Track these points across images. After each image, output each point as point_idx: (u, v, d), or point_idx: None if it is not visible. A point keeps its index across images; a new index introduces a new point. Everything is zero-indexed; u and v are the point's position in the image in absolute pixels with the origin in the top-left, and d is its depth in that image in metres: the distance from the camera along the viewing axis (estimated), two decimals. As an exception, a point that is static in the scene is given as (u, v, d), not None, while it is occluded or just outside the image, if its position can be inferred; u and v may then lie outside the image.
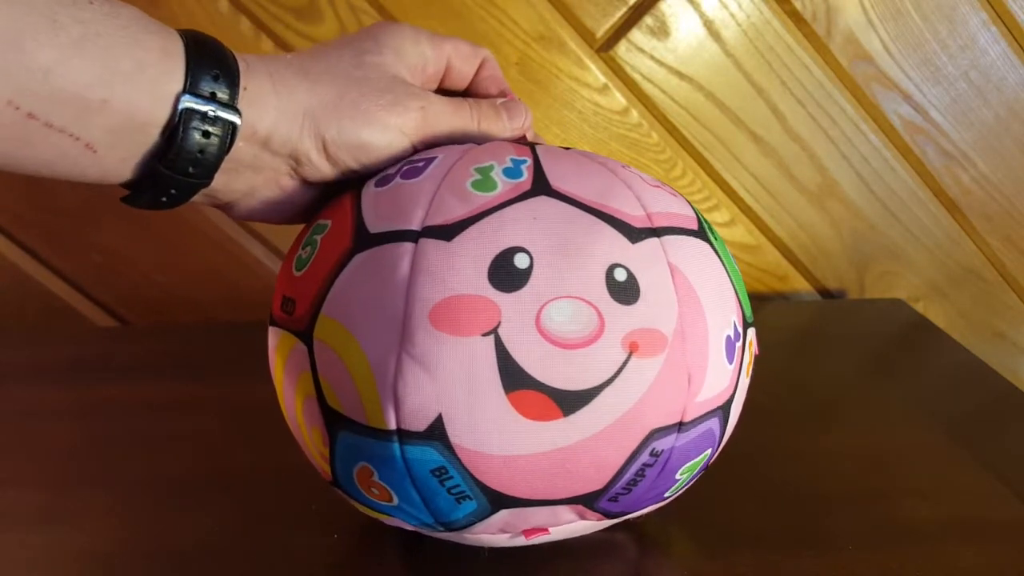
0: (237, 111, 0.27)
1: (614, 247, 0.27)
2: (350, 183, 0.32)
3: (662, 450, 0.28)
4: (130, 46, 0.25)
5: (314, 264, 0.29)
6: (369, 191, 0.30)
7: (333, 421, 0.28)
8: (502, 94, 0.36)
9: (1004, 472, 0.42)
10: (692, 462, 0.30)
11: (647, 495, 0.30)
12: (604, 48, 0.60)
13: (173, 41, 0.27)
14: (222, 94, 0.27)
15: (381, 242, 0.28)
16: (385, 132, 0.31)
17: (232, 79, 0.27)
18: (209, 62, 0.27)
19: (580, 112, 0.62)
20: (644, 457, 0.28)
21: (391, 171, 0.31)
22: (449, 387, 0.26)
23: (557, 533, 0.31)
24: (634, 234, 0.28)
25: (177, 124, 0.26)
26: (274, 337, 0.31)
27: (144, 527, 0.38)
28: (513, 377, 0.26)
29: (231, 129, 0.27)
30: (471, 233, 0.27)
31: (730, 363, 0.30)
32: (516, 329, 0.26)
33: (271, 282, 0.65)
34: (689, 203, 0.32)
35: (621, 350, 0.26)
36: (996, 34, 0.61)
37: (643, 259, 0.28)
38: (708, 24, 0.60)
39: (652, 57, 0.60)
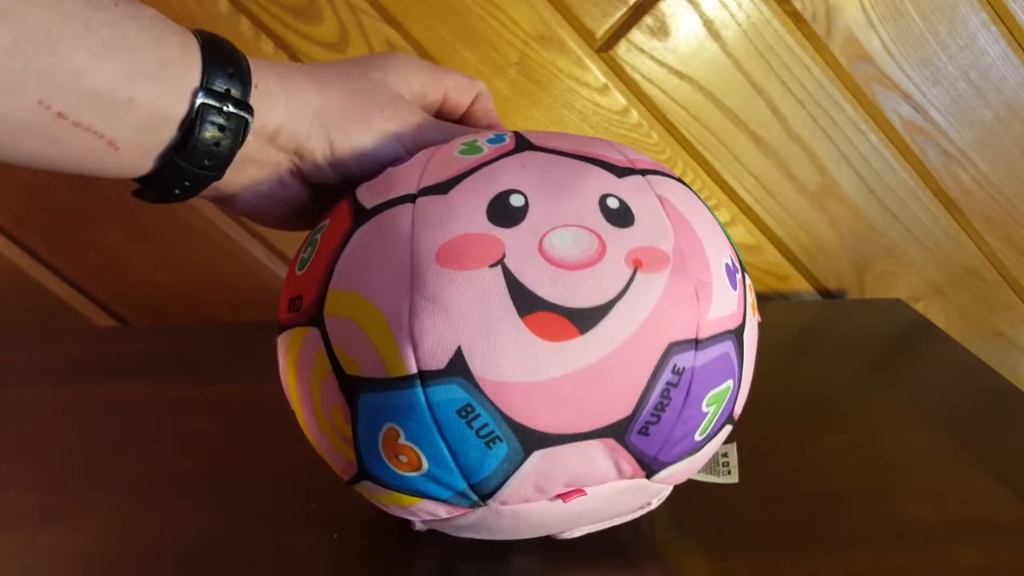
0: (249, 107, 0.29)
1: (603, 181, 0.29)
2: (340, 191, 0.33)
3: (683, 367, 0.28)
4: (154, 46, 0.26)
5: (317, 256, 0.30)
6: (361, 187, 0.32)
7: (353, 388, 0.28)
8: (490, 127, 0.38)
9: (1004, 472, 0.42)
10: (716, 391, 0.29)
11: (678, 429, 0.29)
12: (604, 48, 0.60)
13: (190, 41, 0.28)
14: (236, 91, 0.28)
15: (380, 211, 0.29)
16: (387, 141, 0.33)
17: (244, 77, 0.29)
18: (223, 61, 0.28)
19: (580, 112, 0.62)
20: (667, 374, 0.28)
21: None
22: (464, 320, 0.26)
23: (594, 495, 0.30)
24: (620, 172, 0.30)
25: (194, 119, 0.28)
26: (284, 341, 0.31)
27: (144, 527, 0.38)
28: (525, 301, 0.26)
29: (244, 124, 0.29)
30: (465, 184, 0.29)
31: (734, 289, 0.30)
32: (521, 257, 0.27)
33: (271, 282, 0.65)
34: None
35: (625, 267, 0.27)
36: (996, 34, 0.61)
37: (632, 189, 0.29)
38: (708, 24, 0.60)
39: (652, 57, 0.60)
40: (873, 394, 0.51)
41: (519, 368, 0.26)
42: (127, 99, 0.26)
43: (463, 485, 0.28)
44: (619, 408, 0.27)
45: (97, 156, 0.27)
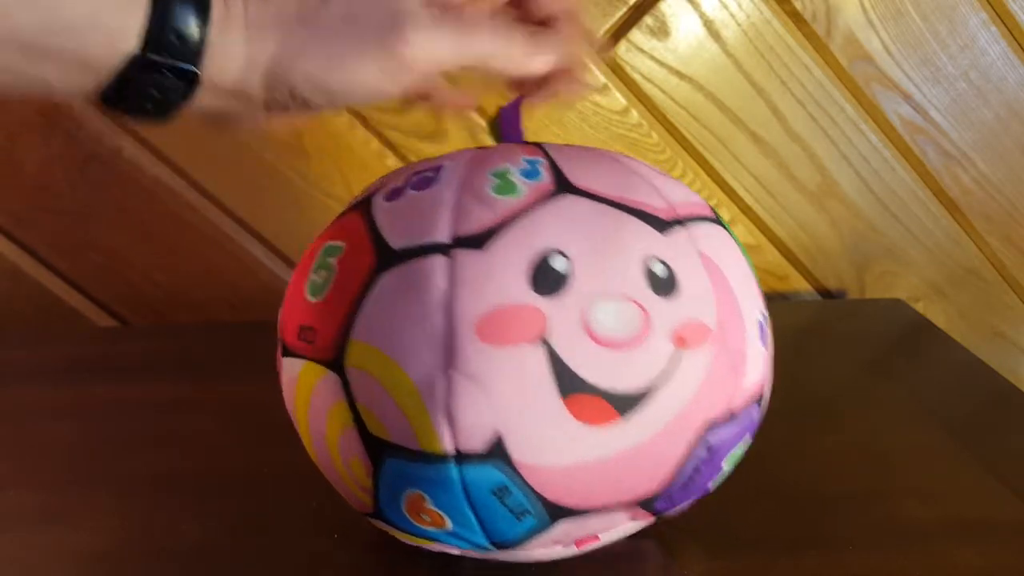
0: (195, 74, 0.26)
1: (647, 240, 0.27)
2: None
3: (715, 443, 0.28)
4: None
5: (335, 288, 0.28)
6: (380, 205, 0.29)
7: (378, 450, 0.27)
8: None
9: (1004, 472, 0.42)
10: (736, 450, 0.30)
11: (698, 489, 0.29)
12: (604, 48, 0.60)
13: None
14: (183, 43, 0.25)
15: (408, 257, 0.27)
16: (362, 78, 0.28)
17: (201, 18, 0.25)
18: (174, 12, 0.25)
19: (580, 112, 0.62)
20: (700, 452, 0.27)
21: (398, 183, 0.30)
22: (505, 401, 0.25)
23: (606, 538, 0.31)
24: (663, 225, 0.28)
25: (129, 77, 0.25)
26: (292, 368, 0.30)
27: (144, 527, 0.38)
28: (567, 382, 0.25)
29: (190, 82, 0.26)
30: (504, 239, 0.26)
31: (764, 347, 0.30)
32: (565, 334, 0.25)
33: (271, 282, 0.65)
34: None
35: (669, 345, 0.26)
36: (996, 34, 0.61)
37: (676, 250, 0.28)
38: (708, 24, 0.60)
39: (652, 57, 0.60)
40: (873, 394, 0.51)
41: (557, 452, 0.26)
42: (44, 50, 0.24)
43: (485, 543, 0.28)
44: (651, 486, 0.27)
45: (28, 88, 0.25)
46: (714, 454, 0.28)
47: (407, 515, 0.28)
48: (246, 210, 0.63)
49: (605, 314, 0.25)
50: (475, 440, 0.25)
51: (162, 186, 0.61)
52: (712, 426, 0.27)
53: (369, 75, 0.28)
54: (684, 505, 0.31)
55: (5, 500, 0.40)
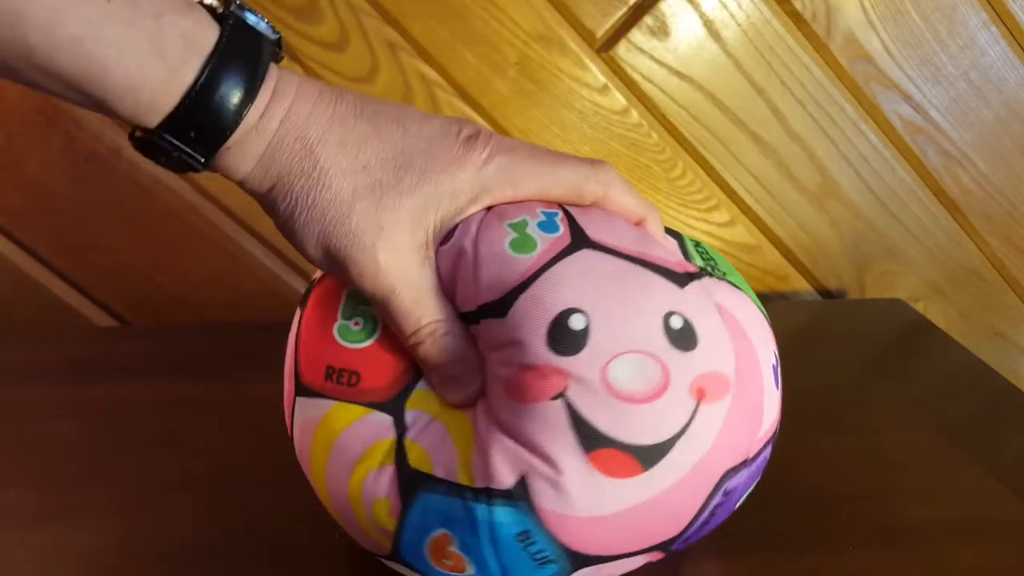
0: (202, 161, 0.27)
1: (666, 294, 0.27)
2: None
3: (732, 488, 0.29)
4: (146, 42, 0.24)
5: (386, 342, 0.29)
6: None
7: (414, 484, 0.28)
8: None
9: (1004, 472, 0.42)
10: (748, 490, 0.31)
11: (711, 528, 0.30)
12: (604, 48, 0.60)
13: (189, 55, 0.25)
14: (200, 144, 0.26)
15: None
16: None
17: (218, 134, 0.26)
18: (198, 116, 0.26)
19: (580, 112, 0.62)
20: (718, 498, 0.28)
21: None
22: (531, 453, 0.26)
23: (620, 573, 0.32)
24: (679, 279, 0.28)
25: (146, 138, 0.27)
26: (315, 408, 0.30)
27: (144, 527, 0.38)
28: (590, 438, 0.26)
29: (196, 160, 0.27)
30: (523, 302, 0.27)
31: (777, 389, 0.30)
32: (584, 390, 0.26)
33: (271, 282, 0.65)
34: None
35: (689, 398, 0.26)
36: (996, 34, 0.61)
37: (694, 303, 0.28)
38: (708, 24, 0.60)
39: (652, 57, 0.60)
40: (873, 394, 0.51)
41: (581, 503, 0.26)
42: (78, 91, 0.25)
43: None
44: (670, 531, 0.28)
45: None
46: (730, 497, 0.29)
47: (428, 558, 0.29)
48: (246, 210, 0.63)
49: (624, 370, 0.26)
50: (504, 480, 0.27)
51: (162, 186, 0.62)
52: (730, 474, 0.28)
53: (333, 255, 0.28)
54: (695, 541, 0.32)
55: (5, 500, 0.40)
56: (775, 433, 0.31)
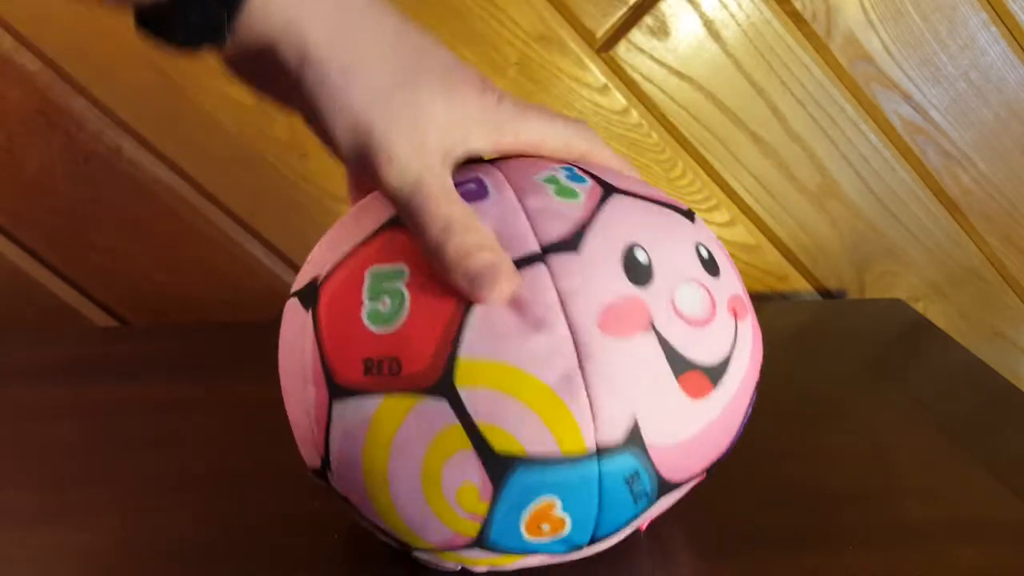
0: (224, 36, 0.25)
1: (688, 229, 0.30)
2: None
3: (752, 402, 0.31)
4: None
5: (418, 315, 0.26)
6: None
7: (503, 466, 0.26)
8: None
9: (1004, 472, 0.42)
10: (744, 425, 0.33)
11: (733, 446, 0.32)
12: (604, 48, 0.60)
13: None
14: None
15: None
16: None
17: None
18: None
19: (580, 112, 0.62)
20: (749, 410, 0.31)
21: None
22: (636, 389, 0.27)
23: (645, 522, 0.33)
24: (688, 215, 0.31)
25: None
26: (362, 408, 0.27)
27: (144, 527, 0.38)
28: (678, 363, 0.27)
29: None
30: (591, 239, 0.28)
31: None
32: (665, 319, 0.27)
33: (271, 282, 0.65)
34: None
35: (730, 318, 0.29)
36: (996, 34, 0.61)
37: (706, 235, 0.31)
38: (708, 24, 0.60)
39: (652, 57, 0.60)
40: (873, 394, 0.51)
41: (679, 429, 0.28)
42: None
43: (585, 540, 0.29)
44: (722, 447, 0.30)
45: None
46: (749, 413, 0.31)
47: (523, 530, 0.27)
48: (246, 210, 0.63)
49: (686, 297, 0.28)
50: (615, 432, 0.26)
51: (162, 186, 0.62)
52: (757, 387, 0.31)
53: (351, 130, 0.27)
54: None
55: (5, 500, 0.40)
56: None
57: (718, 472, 0.35)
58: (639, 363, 0.26)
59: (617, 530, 0.29)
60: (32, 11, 0.56)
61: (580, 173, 0.30)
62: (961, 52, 0.62)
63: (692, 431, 0.28)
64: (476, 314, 0.26)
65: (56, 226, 0.62)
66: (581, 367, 0.26)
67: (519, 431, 0.26)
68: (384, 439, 0.27)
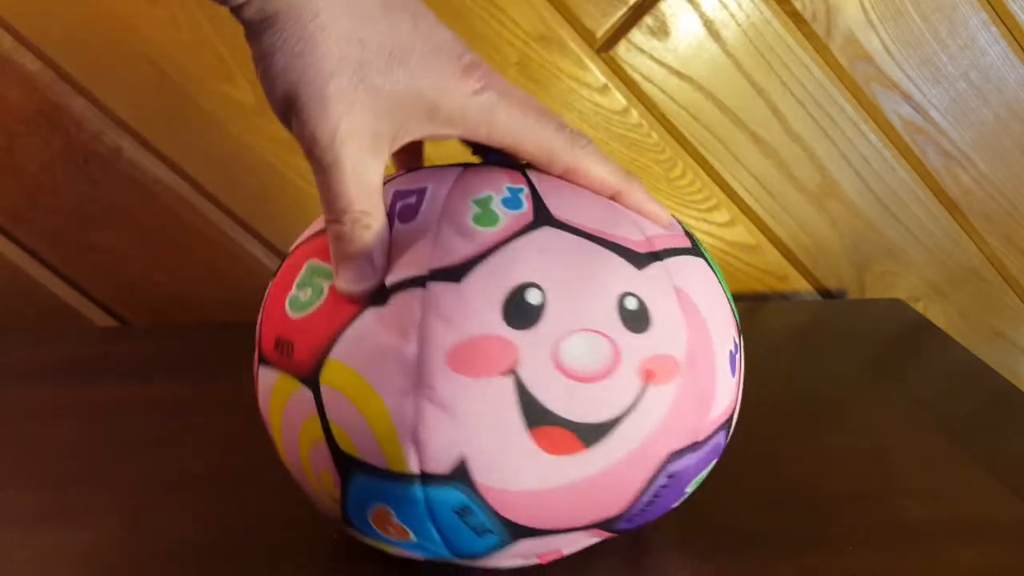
0: None
1: (622, 275, 0.27)
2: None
3: (676, 471, 0.29)
4: None
5: (321, 312, 0.28)
6: None
7: (346, 465, 0.28)
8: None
9: (1004, 472, 0.42)
10: (700, 476, 0.31)
11: (658, 510, 0.30)
12: (604, 48, 0.60)
13: None
14: None
15: (393, 293, 0.27)
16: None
17: None
18: None
19: (580, 112, 0.62)
20: (662, 479, 0.28)
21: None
22: (472, 429, 0.26)
23: (569, 551, 0.32)
24: (639, 260, 0.28)
25: None
26: (267, 377, 0.30)
27: (144, 527, 0.38)
28: (535, 414, 0.26)
29: None
30: (480, 272, 0.27)
31: (733, 375, 0.30)
32: (534, 367, 0.26)
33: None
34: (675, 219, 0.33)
35: (637, 380, 0.27)
36: (996, 34, 0.61)
37: (651, 285, 0.28)
38: (708, 24, 0.60)
39: (652, 57, 0.60)
40: (873, 394, 0.51)
41: (521, 479, 0.26)
42: None
43: (448, 553, 0.29)
44: (612, 510, 0.28)
45: None
46: (677, 481, 0.29)
47: (373, 526, 0.29)
48: (246, 210, 0.63)
49: (575, 347, 0.26)
50: (440, 464, 0.26)
51: (162, 186, 0.62)
52: (675, 456, 0.28)
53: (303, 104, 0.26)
54: (644, 523, 0.32)
55: (5, 500, 0.40)
56: (733, 419, 0.31)
57: (718, 472, 0.35)
58: (482, 405, 0.26)
59: (485, 555, 0.29)
60: (32, 11, 0.56)
61: (523, 198, 0.29)
62: (961, 52, 0.62)
63: (549, 484, 0.27)
64: (358, 322, 0.27)
65: (56, 226, 0.62)
66: (416, 395, 0.26)
67: (356, 438, 0.27)
68: (278, 411, 0.30)
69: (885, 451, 0.45)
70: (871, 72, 0.62)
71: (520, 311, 0.26)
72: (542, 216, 0.28)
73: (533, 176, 0.30)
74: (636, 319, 0.27)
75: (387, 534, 0.29)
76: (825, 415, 0.49)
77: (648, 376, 0.27)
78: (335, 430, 0.28)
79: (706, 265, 0.31)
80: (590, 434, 0.26)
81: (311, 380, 0.28)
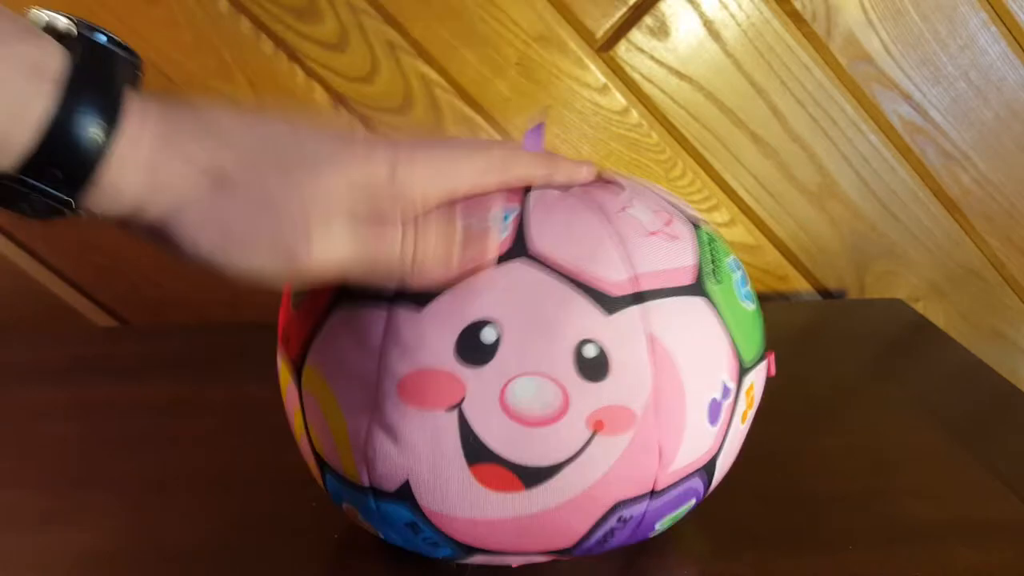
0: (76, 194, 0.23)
1: (586, 322, 0.26)
2: None
3: (631, 516, 0.29)
4: None
5: (305, 307, 0.30)
6: None
7: (321, 463, 0.30)
8: None
9: (1004, 472, 0.42)
10: (671, 515, 0.31)
11: (622, 542, 0.31)
12: (604, 48, 0.60)
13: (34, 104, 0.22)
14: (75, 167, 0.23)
15: (357, 302, 0.28)
16: (254, 266, 0.27)
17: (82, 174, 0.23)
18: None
19: (580, 112, 0.62)
20: (611, 523, 0.29)
21: None
22: (414, 458, 0.27)
23: (524, 564, 0.33)
24: (611, 304, 0.27)
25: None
26: (280, 360, 0.33)
27: (144, 527, 0.38)
28: (475, 451, 0.26)
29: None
30: (443, 301, 0.26)
31: (713, 425, 0.29)
32: (479, 405, 0.26)
33: (271, 282, 0.65)
34: (692, 245, 0.30)
35: (585, 429, 0.26)
36: (996, 34, 0.61)
37: (617, 332, 0.26)
38: (708, 24, 0.60)
39: (652, 57, 0.60)
40: (873, 394, 0.51)
41: (462, 506, 0.27)
42: None
43: (430, 554, 0.31)
44: (556, 544, 0.29)
45: None
46: (635, 522, 0.29)
47: (347, 515, 0.32)
48: (246, 210, 0.63)
49: (523, 390, 0.26)
50: (388, 482, 0.28)
51: (162, 186, 0.61)
52: (626, 504, 0.28)
53: (262, 266, 0.26)
54: (607, 550, 0.32)
55: (5, 500, 0.40)
56: (719, 465, 0.31)
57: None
58: (425, 436, 0.26)
59: (456, 558, 0.31)
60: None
61: (509, 223, 0.28)
62: (961, 52, 0.62)
63: (489, 516, 0.27)
64: (325, 327, 0.29)
65: (56, 226, 0.62)
66: (370, 416, 0.27)
67: (324, 444, 0.29)
68: (283, 390, 0.32)
69: (885, 451, 0.45)
70: (871, 72, 0.62)
71: (473, 348, 0.26)
72: (518, 247, 0.27)
73: (531, 199, 0.29)
74: (593, 367, 0.26)
75: (359, 524, 0.32)
76: (825, 415, 0.49)
77: (597, 426, 0.26)
78: (311, 429, 0.30)
79: (705, 305, 0.28)
80: (530, 476, 0.26)
81: (296, 377, 0.30)
